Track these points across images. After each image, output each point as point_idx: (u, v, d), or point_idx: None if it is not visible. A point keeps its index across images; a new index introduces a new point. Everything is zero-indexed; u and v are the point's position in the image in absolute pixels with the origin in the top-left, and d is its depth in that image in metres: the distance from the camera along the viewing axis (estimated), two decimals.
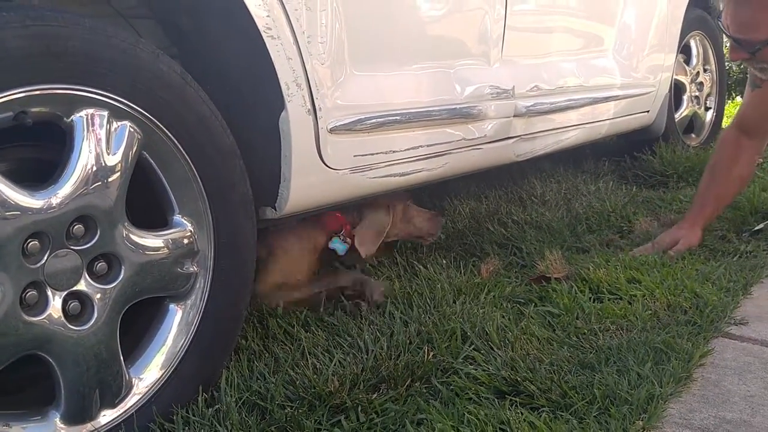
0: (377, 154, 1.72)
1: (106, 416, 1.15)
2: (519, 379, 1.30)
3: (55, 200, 1.04)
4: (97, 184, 1.08)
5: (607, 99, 2.75)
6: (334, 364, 1.37)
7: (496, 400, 1.27)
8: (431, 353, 1.40)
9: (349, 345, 1.48)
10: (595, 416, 1.18)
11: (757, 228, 2.30)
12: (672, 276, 1.84)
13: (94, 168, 1.08)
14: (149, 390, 1.20)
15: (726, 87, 4.06)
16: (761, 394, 1.29)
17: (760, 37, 1.86)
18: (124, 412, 1.17)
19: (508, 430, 1.15)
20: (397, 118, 1.75)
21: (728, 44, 2.07)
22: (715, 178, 2.23)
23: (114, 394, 1.15)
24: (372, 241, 1.87)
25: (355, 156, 1.65)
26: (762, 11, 1.84)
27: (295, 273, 1.77)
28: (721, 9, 1.97)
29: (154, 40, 1.45)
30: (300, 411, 1.22)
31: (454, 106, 1.93)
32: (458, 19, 1.98)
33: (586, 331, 1.53)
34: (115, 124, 1.11)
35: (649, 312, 1.63)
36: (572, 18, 2.59)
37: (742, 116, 2.24)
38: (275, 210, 1.50)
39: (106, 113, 1.09)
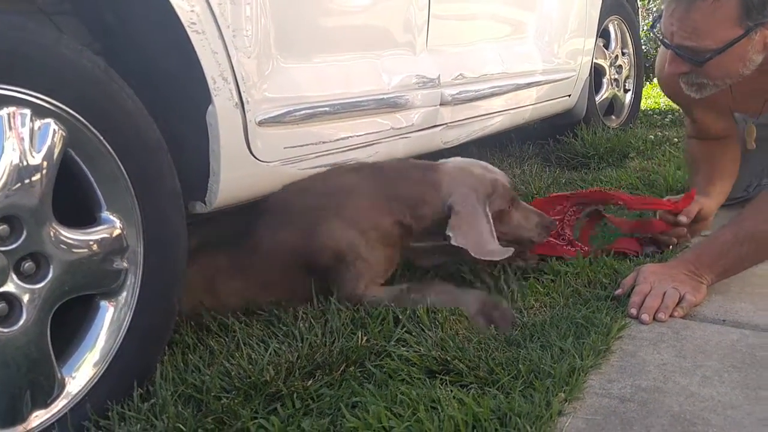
0: (307, 145, 1.74)
1: (39, 417, 1.13)
2: (449, 358, 1.35)
3: None
4: (21, 183, 1.07)
5: (529, 85, 2.84)
6: (270, 354, 1.39)
7: (427, 379, 1.31)
8: (365, 338, 1.44)
9: (284, 334, 1.50)
10: (520, 390, 1.24)
11: None
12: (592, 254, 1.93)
13: (18, 167, 1.06)
14: (83, 388, 1.20)
15: (644, 69, 4.23)
16: (673, 361, 1.38)
17: (710, 45, 1.60)
18: (58, 411, 1.16)
19: (439, 407, 1.19)
20: (326, 109, 1.78)
21: (667, 55, 1.74)
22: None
23: (46, 394, 1.14)
24: None
25: (285, 148, 1.67)
26: (714, 16, 1.57)
27: None
28: (660, 13, 1.65)
29: (78, 36, 1.43)
30: (236, 401, 1.24)
31: (381, 96, 1.96)
32: (384, 9, 2.02)
33: (512, 309, 1.60)
34: (38, 123, 1.09)
35: (571, 289, 1.71)
36: (495, 4, 2.66)
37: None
38: (205, 204, 1.51)
39: (28, 111, 1.08)
